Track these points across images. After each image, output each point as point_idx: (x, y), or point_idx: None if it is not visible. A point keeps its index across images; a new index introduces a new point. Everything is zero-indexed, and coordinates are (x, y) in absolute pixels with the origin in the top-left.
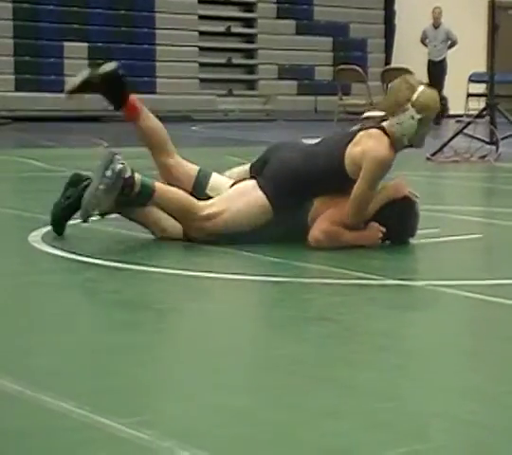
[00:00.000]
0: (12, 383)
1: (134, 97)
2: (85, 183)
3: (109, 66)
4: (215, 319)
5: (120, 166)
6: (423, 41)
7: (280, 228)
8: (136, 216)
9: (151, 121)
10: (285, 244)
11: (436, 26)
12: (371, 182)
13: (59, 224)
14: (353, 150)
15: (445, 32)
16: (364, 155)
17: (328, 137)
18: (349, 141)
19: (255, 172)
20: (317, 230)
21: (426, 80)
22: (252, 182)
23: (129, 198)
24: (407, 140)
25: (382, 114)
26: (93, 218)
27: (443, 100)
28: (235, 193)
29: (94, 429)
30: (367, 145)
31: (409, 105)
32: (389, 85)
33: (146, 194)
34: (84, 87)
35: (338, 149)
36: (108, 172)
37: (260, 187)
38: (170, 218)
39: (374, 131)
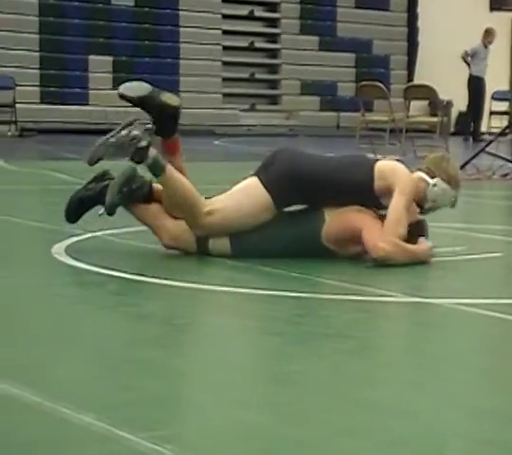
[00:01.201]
0: (32, 394)
1: (178, 140)
2: (107, 182)
3: (174, 101)
4: (234, 334)
5: (136, 133)
6: (465, 57)
7: (288, 235)
8: (141, 215)
9: (181, 164)
10: (307, 259)
11: (487, 45)
12: (409, 198)
13: (71, 210)
14: (383, 166)
15: (490, 52)
16: (395, 173)
17: (341, 156)
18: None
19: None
20: (382, 242)
21: (451, 95)
22: (254, 179)
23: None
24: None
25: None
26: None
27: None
28: (237, 190)
29: (113, 443)
30: (399, 167)
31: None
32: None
33: (157, 169)
34: (142, 101)
35: (366, 162)
36: (123, 132)
37: (262, 183)
38: (180, 224)
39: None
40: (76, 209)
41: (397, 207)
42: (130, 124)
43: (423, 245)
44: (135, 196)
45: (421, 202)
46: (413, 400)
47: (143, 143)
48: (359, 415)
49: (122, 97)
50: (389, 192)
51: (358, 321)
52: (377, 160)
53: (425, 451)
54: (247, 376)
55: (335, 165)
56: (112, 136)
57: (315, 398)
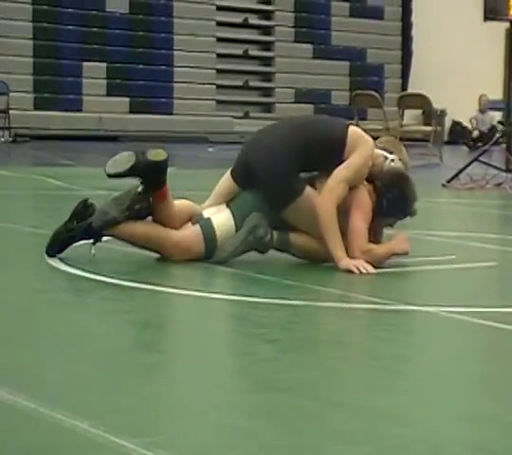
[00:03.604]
0: (26, 400)
1: (168, 186)
2: (90, 220)
3: (162, 155)
4: (229, 341)
5: (262, 232)
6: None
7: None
8: (146, 232)
9: (170, 210)
10: (302, 267)
11: (483, 111)
12: (353, 167)
13: (53, 249)
14: (356, 139)
15: (491, 118)
16: (358, 149)
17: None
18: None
19: (238, 179)
20: (354, 251)
21: (445, 105)
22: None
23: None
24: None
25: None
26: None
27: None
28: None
29: (108, 449)
30: (365, 145)
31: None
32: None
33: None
34: (129, 172)
35: (339, 128)
36: (250, 237)
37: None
38: (184, 231)
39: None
40: (58, 248)
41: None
42: (255, 228)
43: (397, 239)
44: (139, 216)
45: (375, 176)
46: (410, 407)
47: (268, 237)
48: (355, 422)
49: (111, 176)
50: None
51: (353, 329)
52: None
53: None
54: (242, 383)
55: (304, 152)
56: (241, 245)
57: (310, 405)
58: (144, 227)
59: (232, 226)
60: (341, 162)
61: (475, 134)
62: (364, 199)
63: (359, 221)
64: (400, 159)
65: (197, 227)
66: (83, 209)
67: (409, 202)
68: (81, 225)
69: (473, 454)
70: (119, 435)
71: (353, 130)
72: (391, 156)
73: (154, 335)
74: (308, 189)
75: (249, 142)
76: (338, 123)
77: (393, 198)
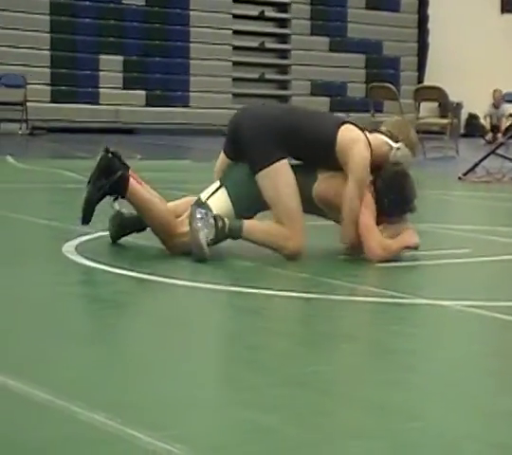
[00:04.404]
0: (44, 393)
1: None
2: (119, 174)
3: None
4: (245, 335)
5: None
6: (484, 118)
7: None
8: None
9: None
10: (316, 260)
11: (497, 106)
12: (358, 181)
13: (89, 215)
14: (346, 141)
15: (504, 110)
16: (352, 153)
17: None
18: (339, 125)
19: (228, 150)
20: (375, 249)
21: (461, 97)
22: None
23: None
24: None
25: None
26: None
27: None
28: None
29: (124, 442)
30: (357, 145)
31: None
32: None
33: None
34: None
35: (331, 123)
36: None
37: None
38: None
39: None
40: (91, 212)
41: (351, 201)
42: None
43: (407, 233)
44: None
45: (380, 166)
46: (424, 402)
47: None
48: (369, 417)
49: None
50: (345, 163)
51: (367, 323)
52: (339, 128)
53: (437, 454)
54: (257, 377)
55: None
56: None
57: (324, 400)
58: (160, 204)
59: (229, 205)
60: (335, 162)
61: (489, 136)
62: (368, 196)
63: (369, 218)
64: (407, 145)
65: None
66: (107, 164)
67: (408, 201)
68: (108, 180)
69: (487, 449)
70: (136, 428)
71: (345, 128)
72: (395, 145)
73: (169, 328)
74: (285, 162)
75: (240, 112)
76: (332, 118)
77: (394, 198)
